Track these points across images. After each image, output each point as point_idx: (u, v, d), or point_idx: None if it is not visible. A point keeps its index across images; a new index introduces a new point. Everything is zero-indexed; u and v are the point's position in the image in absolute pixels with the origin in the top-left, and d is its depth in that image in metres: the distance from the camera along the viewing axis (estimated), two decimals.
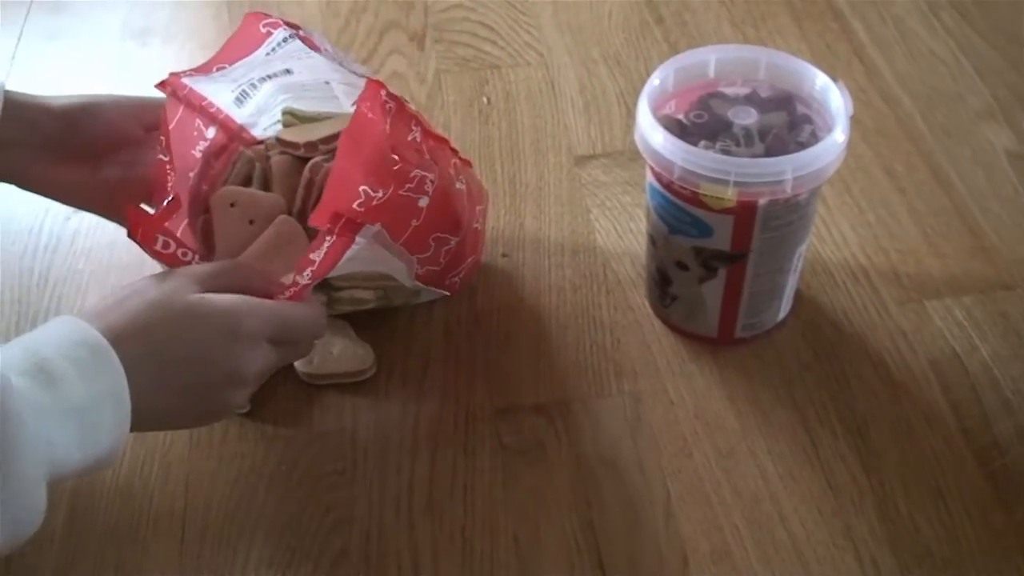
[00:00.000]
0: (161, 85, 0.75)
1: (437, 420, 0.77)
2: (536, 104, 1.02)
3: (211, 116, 0.81)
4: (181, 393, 0.62)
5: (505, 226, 0.91)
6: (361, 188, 0.68)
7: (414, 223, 0.73)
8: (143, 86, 0.76)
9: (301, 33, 0.76)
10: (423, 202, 0.72)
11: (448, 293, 0.83)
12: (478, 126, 1.00)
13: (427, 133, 0.74)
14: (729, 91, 0.77)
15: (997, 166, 0.94)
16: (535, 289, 0.86)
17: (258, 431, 0.77)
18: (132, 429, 0.58)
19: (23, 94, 0.73)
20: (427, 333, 0.83)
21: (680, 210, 0.73)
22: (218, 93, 0.81)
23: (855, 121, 0.92)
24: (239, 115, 0.83)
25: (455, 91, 1.04)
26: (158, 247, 0.70)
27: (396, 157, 0.70)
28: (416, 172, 0.71)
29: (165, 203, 0.72)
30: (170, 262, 0.71)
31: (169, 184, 0.74)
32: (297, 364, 0.79)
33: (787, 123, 0.75)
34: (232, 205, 0.78)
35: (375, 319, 0.83)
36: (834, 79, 0.75)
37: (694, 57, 0.78)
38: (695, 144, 0.72)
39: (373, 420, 0.77)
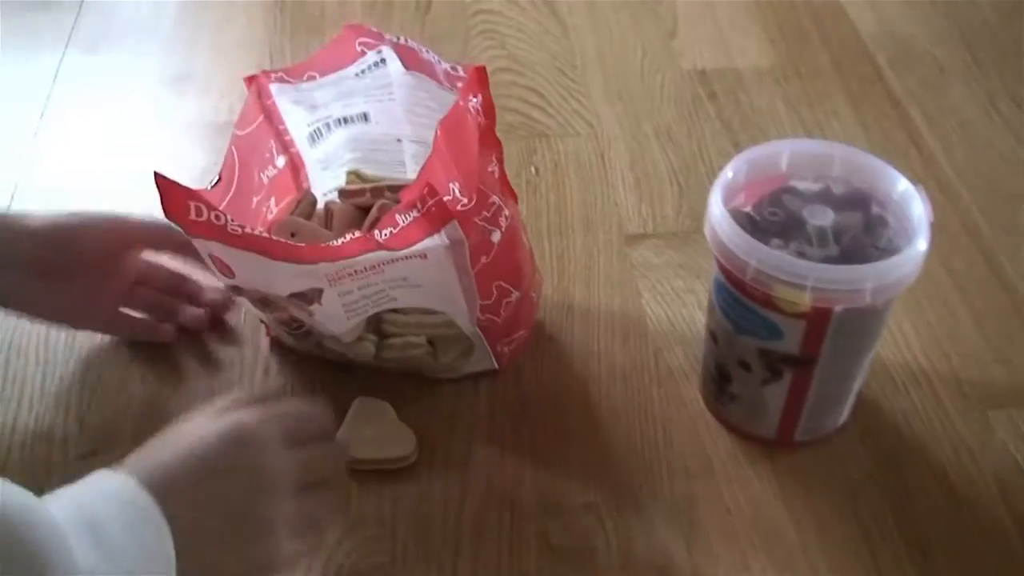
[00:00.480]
0: (248, 80, 0.73)
1: (482, 514, 0.73)
2: (585, 177, 0.99)
3: (284, 144, 0.80)
4: (229, 548, 0.59)
5: (552, 306, 0.87)
6: (451, 184, 0.65)
7: (484, 259, 0.70)
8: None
9: (400, 42, 0.74)
10: (495, 237, 0.70)
11: (497, 367, 0.80)
12: (526, 197, 0.97)
13: (503, 175, 0.72)
14: (801, 186, 0.74)
15: None
16: (584, 376, 0.83)
17: None
18: None
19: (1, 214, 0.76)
20: (471, 415, 0.80)
21: (749, 311, 0.70)
22: (297, 122, 0.79)
23: None
24: (309, 156, 0.82)
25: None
26: (191, 215, 0.64)
27: (479, 175, 0.67)
28: (495, 200, 0.69)
29: (211, 185, 0.71)
30: (204, 233, 0.65)
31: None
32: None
33: (863, 225, 0.72)
34: (292, 235, 0.75)
35: (417, 396, 0.79)
36: (914, 183, 0.72)
37: (767, 149, 0.75)
38: (767, 242, 0.69)
39: (414, 511, 0.74)
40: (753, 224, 0.72)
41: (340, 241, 0.65)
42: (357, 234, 0.65)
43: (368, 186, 0.79)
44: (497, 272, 0.73)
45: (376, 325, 0.76)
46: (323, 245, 0.66)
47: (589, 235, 0.94)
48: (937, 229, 0.92)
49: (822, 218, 0.71)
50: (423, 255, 0.67)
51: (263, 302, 0.72)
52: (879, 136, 1.03)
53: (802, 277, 0.66)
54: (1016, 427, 0.79)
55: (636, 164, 1.01)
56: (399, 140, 0.81)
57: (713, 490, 0.75)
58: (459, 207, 0.66)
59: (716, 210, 0.70)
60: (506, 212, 0.72)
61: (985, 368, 0.83)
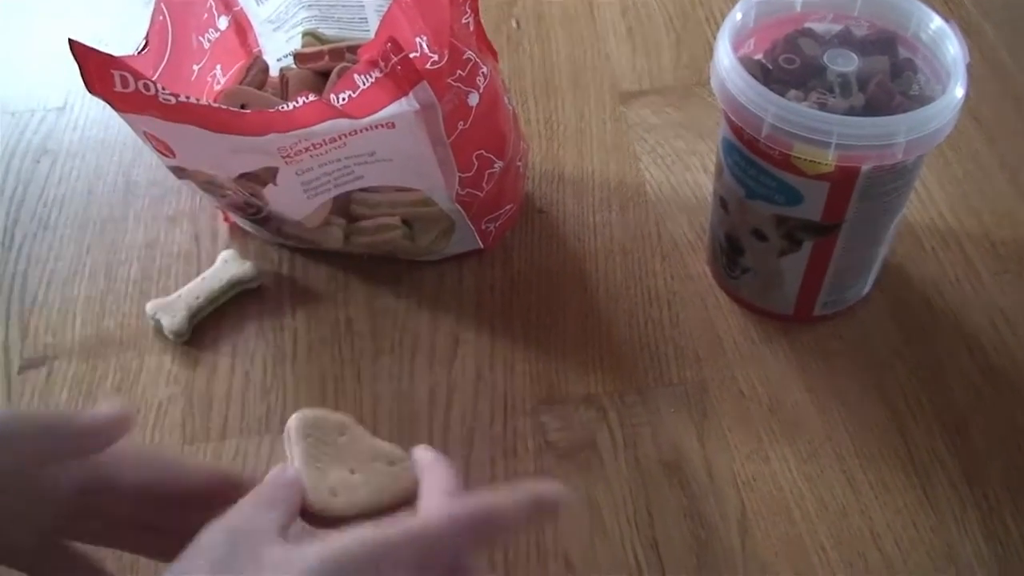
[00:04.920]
0: None
1: (471, 413, 0.66)
2: (573, 29, 0.90)
3: (225, 2, 0.71)
4: None
5: (542, 176, 0.79)
6: (419, 39, 0.57)
7: (461, 125, 0.62)
8: None
9: None
10: (473, 99, 0.62)
11: (481, 246, 0.72)
12: (507, 55, 0.87)
13: (479, 27, 0.63)
14: (819, 28, 0.65)
15: None
16: (579, 252, 0.75)
17: None
18: None
19: None
20: (457, 303, 0.72)
21: (764, 172, 0.62)
22: None
23: None
24: (256, 15, 0.73)
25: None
26: (116, 86, 0.55)
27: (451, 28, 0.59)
28: (469, 55, 0.61)
29: (138, 50, 0.62)
30: (134, 107, 0.56)
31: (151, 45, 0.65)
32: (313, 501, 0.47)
33: (890, 69, 0.63)
34: (242, 107, 0.67)
35: (395, 282, 0.72)
36: (946, 19, 0.63)
37: None
38: (783, 93, 0.60)
39: (397, 411, 0.67)
40: (766, 73, 0.63)
41: (291, 106, 0.57)
42: (311, 98, 0.57)
43: (326, 48, 0.70)
44: (477, 140, 0.64)
45: (344, 206, 0.68)
46: (271, 111, 0.57)
47: (579, 94, 0.85)
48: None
49: (844, 63, 0.62)
50: (390, 123, 0.59)
51: (211, 185, 0.64)
52: None
53: (825, 133, 0.57)
54: None
55: (628, 11, 0.91)
56: None
57: (726, 374, 0.68)
58: (429, 65, 0.57)
59: (724, 59, 0.61)
60: (484, 70, 0.63)
61: (1020, 226, 0.76)
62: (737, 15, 0.64)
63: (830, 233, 0.64)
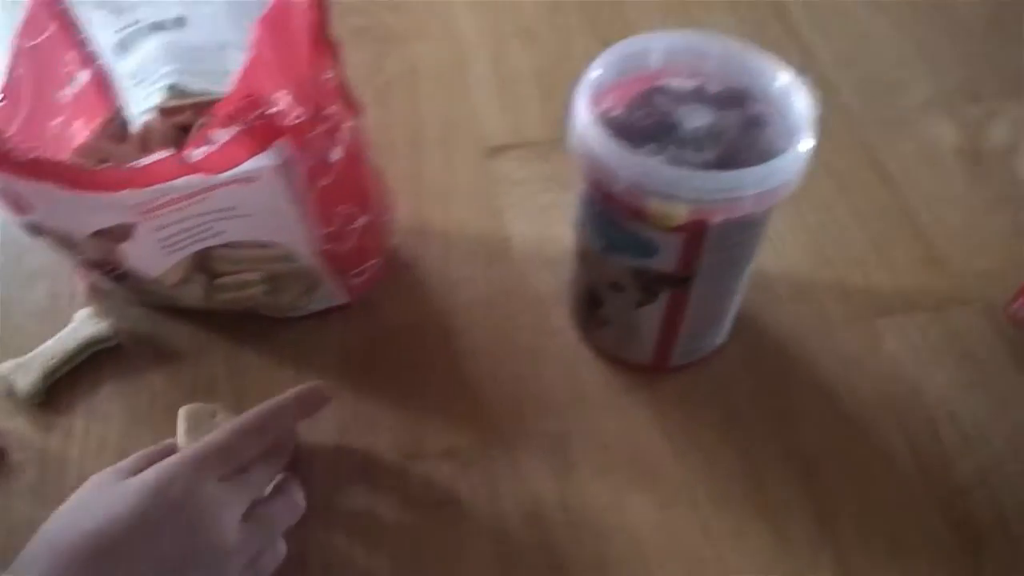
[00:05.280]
0: None
1: (333, 469, 0.66)
2: (442, 84, 0.91)
3: (85, 57, 0.70)
4: None
5: (408, 230, 0.79)
6: (279, 95, 0.57)
7: (322, 181, 0.62)
8: None
9: None
10: (335, 155, 0.62)
11: (346, 301, 0.72)
12: (375, 110, 0.87)
13: (342, 83, 0.63)
14: (675, 84, 0.67)
15: (943, 162, 0.86)
16: (443, 307, 0.75)
17: None
18: None
19: None
20: (321, 359, 0.72)
21: (620, 226, 0.63)
22: (100, 29, 0.70)
23: None
24: (118, 69, 0.72)
25: (348, 67, 0.91)
26: None
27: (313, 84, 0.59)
28: (331, 111, 0.61)
29: None
30: None
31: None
32: None
33: (741, 124, 0.65)
34: (101, 163, 0.66)
35: (257, 338, 0.71)
36: (797, 75, 0.65)
37: (636, 45, 0.67)
38: (639, 149, 0.62)
39: None
40: (623, 130, 0.64)
41: (146, 163, 0.56)
42: (166, 154, 0.56)
43: (189, 102, 0.70)
44: (339, 195, 0.64)
45: (205, 262, 0.68)
46: (125, 169, 0.57)
47: (447, 149, 0.86)
48: (817, 125, 0.88)
49: (698, 119, 0.64)
50: (249, 179, 0.59)
51: (66, 242, 0.63)
52: (754, 30, 0.96)
53: (678, 187, 0.59)
54: (906, 335, 0.75)
55: (497, 67, 0.92)
56: (223, 47, 0.71)
57: (587, 424, 0.69)
58: (289, 121, 0.57)
59: (581, 116, 0.63)
60: (346, 126, 0.63)
61: (871, 274, 0.79)
62: (595, 73, 0.65)
63: (685, 284, 0.65)
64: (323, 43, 0.61)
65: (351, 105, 0.68)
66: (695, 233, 0.62)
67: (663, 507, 0.65)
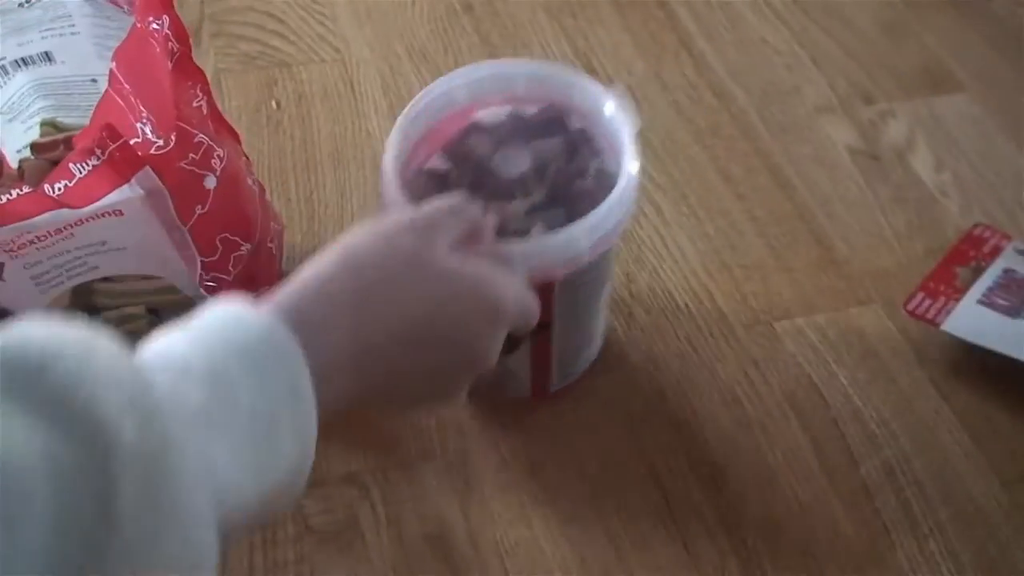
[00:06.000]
0: None
1: None
2: (334, 107, 0.90)
3: None
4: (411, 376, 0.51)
5: (302, 254, 0.78)
6: (138, 125, 0.55)
7: (199, 209, 0.60)
8: None
9: None
10: (210, 182, 0.61)
11: None
12: (267, 135, 0.86)
13: (214, 110, 0.62)
14: (488, 119, 0.65)
15: (840, 165, 0.87)
16: None
17: None
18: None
19: None
20: None
21: None
22: None
23: (686, 120, 0.84)
24: None
25: (239, 94, 0.90)
26: None
27: (177, 111, 0.57)
28: (201, 138, 0.59)
29: None
30: None
31: None
32: None
33: (564, 151, 0.63)
34: None
35: None
36: (608, 85, 0.64)
37: (443, 86, 0.64)
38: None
39: None
40: (444, 185, 0.62)
41: (4, 199, 0.54)
42: (25, 190, 0.55)
43: (61, 136, 0.68)
44: (219, 223, 0.63)
45: (86, 297, 0.65)
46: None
47: (340, 171, 0.84)
48: (713, 135, 0.88)
49: (518, 162, 0.63)
50: (118, 211, 0.57)
51: None
52: (647, 40, 0.96)
53: (512, 263, 0.56)
54: (805, 337, 0.75)
55: (389, 89, 0.91)
56: (94, 80, 0.69)
57: (488, 444, 0.68)
58: (153, 151, 0.56)
59: (390, 188, 0.59)
60: (220, 152, 0.62)
61: (769, 278, 0.79)
62: (398, 136, 0.62)
63: (544, 331, 0.63)
64: (187, 71, 0.60)
65: (227, 131, 0.67)
66: (543, 290, 0.59)
67: (568, 521, 0.64)
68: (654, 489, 0.66)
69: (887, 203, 0.84)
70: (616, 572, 0.62)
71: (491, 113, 0.65)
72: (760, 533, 0.64)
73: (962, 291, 0.75)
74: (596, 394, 0.71)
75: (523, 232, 0.59)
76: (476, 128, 0.64)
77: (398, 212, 0.55)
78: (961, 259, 0.77)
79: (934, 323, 0.73)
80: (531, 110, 0.65)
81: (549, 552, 0.63)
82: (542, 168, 0.62)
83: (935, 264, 0.77)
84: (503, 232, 0.57)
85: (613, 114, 0.63)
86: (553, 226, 0.59)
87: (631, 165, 0.60)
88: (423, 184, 0.62)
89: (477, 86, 0.65)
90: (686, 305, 0.76)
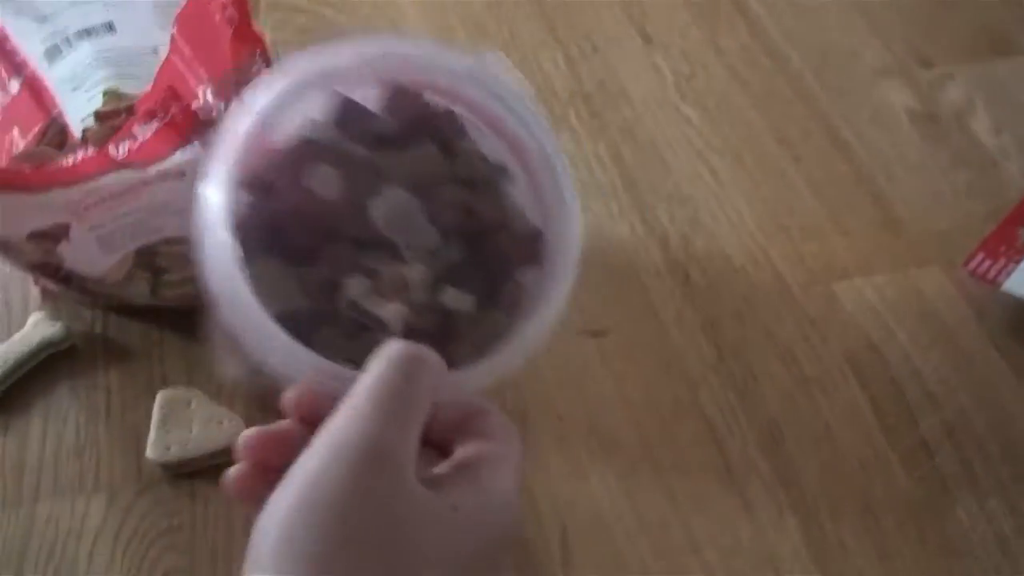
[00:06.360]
0: None
1: None
2: None
3: (15, 66, 0.69)
4: None
5: None
6: (199, 88, 0.56)
7: None
8: None
9: None
10: None
11: None
12: None
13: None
14: (317, 132, 0.45)
15: (898, 128, 0.86)
16: None
17: None
18: None
19: None
20: None
21: None
22: (26, 37, 0.68)
23: (741, 83, 0.83)
24: (51, 76, 0.71)
25: None
26: None
27: (237, 76, 0.59)
28: None
29: None
30: None
31: None
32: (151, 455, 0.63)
33: (441, 154, 0.46)
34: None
35: None
36: (481, 52, 0.48)
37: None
38: (332, 294, 0.43)
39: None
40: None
41: (71, 160, 0.56)
42: (91, 151, 0.56)
43: (123, 105, 0.69)
44: None
45: (149, 259, 0.67)
46: (50, 167, 0.57)
47: None
48: (769, 98, 0.88)
49: (389, 198, 0.43)
50: (180, 172, 0.58)
51: (4, 247, 0.63)
52: (702, 5, 0.96)
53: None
54: (863, 297, 0.75)
55: None
56: (155, 50, 0.71)
57: (543, 397, 0.68)
58: (214, 113, 0.57)
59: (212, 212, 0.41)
60: None
61: (827, 239, 0.78)
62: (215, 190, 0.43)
63: None
64: (246, 37, 0.61)
65: None
66: None
67: (625, 476, 0.65)
68: (711, 446, 0.66)
69: (946, 165, 0.83)
70: (673, 525, 0.63)
71: (318, 118, 0.45)
72: (818, 489, 0.64)
73: (1023, 251, 0.74)
74: (653, 353, 0.71)
75: (434, 310, 0.44)
76: (308, 150, 0.44)
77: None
78: (1023, 220, 0.77)
79: (994, 283, 0.73)
80: (378, 102, 0.47)
81: (606, 506, 0.63)
82: (437, 207, 0.43)
83: (995, 225, 0.76)
84: (409, 328, 0.42)
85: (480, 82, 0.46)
86: (470, 288, 0.44)
87: (572, 203, 0.46)
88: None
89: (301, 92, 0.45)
90: (743, 266, 0.76)
